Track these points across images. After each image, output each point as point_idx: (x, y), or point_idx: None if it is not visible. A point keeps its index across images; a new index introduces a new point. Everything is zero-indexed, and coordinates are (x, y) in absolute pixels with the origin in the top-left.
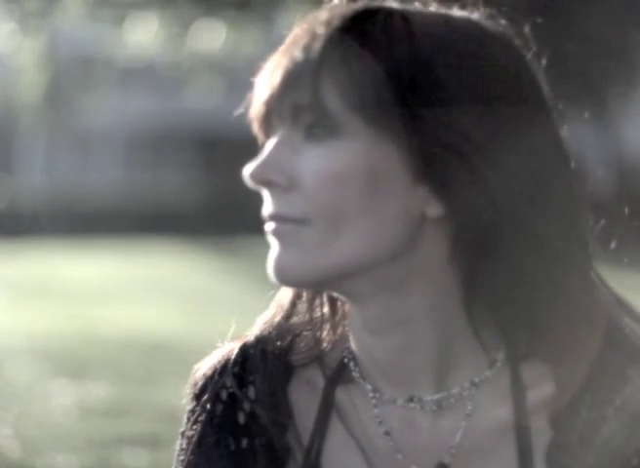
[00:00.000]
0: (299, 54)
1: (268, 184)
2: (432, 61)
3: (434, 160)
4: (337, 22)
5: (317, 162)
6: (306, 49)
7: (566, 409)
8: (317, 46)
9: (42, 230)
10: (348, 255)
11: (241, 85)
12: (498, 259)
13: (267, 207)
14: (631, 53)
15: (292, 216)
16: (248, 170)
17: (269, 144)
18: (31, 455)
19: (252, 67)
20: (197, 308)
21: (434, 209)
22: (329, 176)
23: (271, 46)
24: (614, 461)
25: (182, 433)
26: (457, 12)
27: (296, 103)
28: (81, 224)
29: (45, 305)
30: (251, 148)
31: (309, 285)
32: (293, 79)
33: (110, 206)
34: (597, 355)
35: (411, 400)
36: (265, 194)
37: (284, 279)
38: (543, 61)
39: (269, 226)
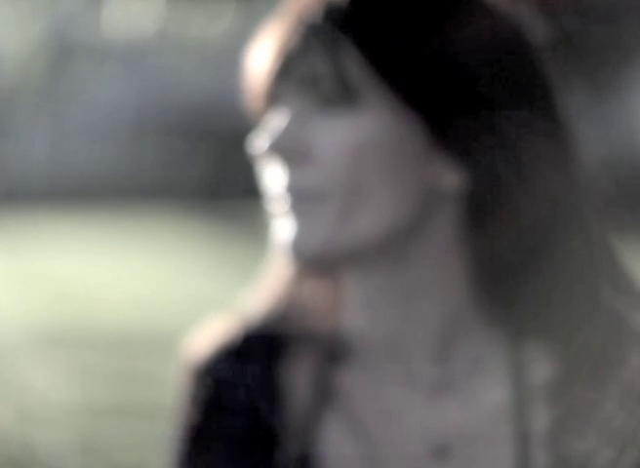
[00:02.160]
0: (312, 19)
1: (287, 156)
2: (449, 36)
3: (454, 126)
4: None
5: (335, 134)
6: (322, 14)
7: (566, 389)
8: (335, 11)
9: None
10: (367, 230)
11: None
12: (506, 234)
13: (282, 180)
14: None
15: (310, 190)
16: (263, 140)
17: (280, 116)
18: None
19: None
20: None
21: (449, 180)
22: (348, 149)
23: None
24: (614, 442)
25: (178, 419)
26: None
27: (312, 72)
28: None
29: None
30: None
31: (328, 261)
32: (308, 46)
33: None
34: (598, 337)
35: (410, 375)
36: (277, 167)
37: (303, 256)
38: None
39: (283, 201)
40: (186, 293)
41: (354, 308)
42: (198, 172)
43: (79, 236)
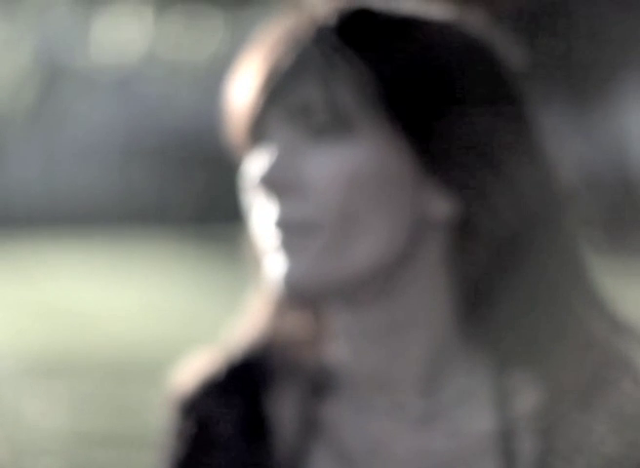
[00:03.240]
0: (301, 43)
1: (278, 189)
2: (435, 63)
3: (445, 154)
4: (337, 18)
5: (328, 164)
6: (312, 37)
7: (554, 416)
8: (326, 35)
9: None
10: (360, 261)
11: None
12: (495, 264)
13: (272, 213)
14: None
15: (302, 222)
16: (252, 173)
17: (269, 147)
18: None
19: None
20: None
21: (439, 208)
22: (341, 180)
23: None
24: (605, 467)
25: (164, 453)
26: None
27: (303, 100)
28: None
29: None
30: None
31: (319, 294)
32: (299, 72)
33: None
34: (584, 363)
35: (397, 407)
36: (267, 200)
37: (297, 292)
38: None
39: (275, 236)
40: (179, 319)
41: (339, 340)
42: (189, 195)
43: (69, 260)
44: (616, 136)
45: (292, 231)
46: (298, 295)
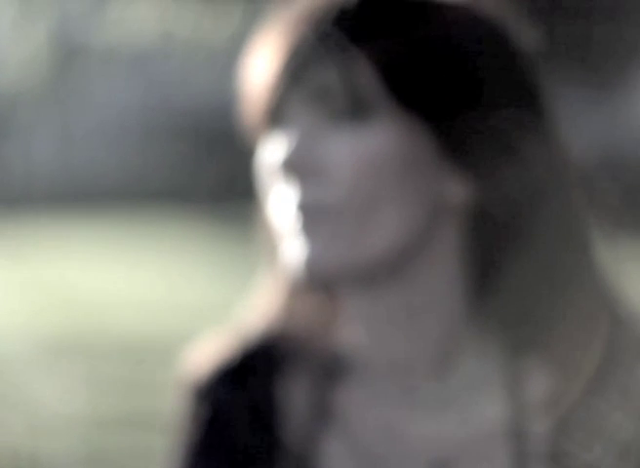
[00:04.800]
0: (320, 31)
1: (301, 172)
2: (454, 46)
3: (462, 138)
4: (354, 2)
5: (348, 148)
6: (331, 21)
7: (569, 398)
8: (345, 19)
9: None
10: (380, 244)
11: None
12: (508, 249)
13: (294, 197)
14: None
15: (324, 206)
16: (276, 156)
17: (289, 131)
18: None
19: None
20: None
21: (456, 193)
22: (361, 164)
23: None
24: (623, 453)
25: (180, 437)
26: None
27: (322, 84)
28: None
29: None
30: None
31: (340, 278)
32: (317, 59)
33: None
34: (598, 348)
35: (410, 392)
36: (288, 184)
37: (317, 275)
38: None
39: (295, 219)
40: (195, 299)
41: (354, 324)
42: (205, 174)
43: (84, 241)
44: (636, 116)
45: (312, 214)
46: (317, 279)
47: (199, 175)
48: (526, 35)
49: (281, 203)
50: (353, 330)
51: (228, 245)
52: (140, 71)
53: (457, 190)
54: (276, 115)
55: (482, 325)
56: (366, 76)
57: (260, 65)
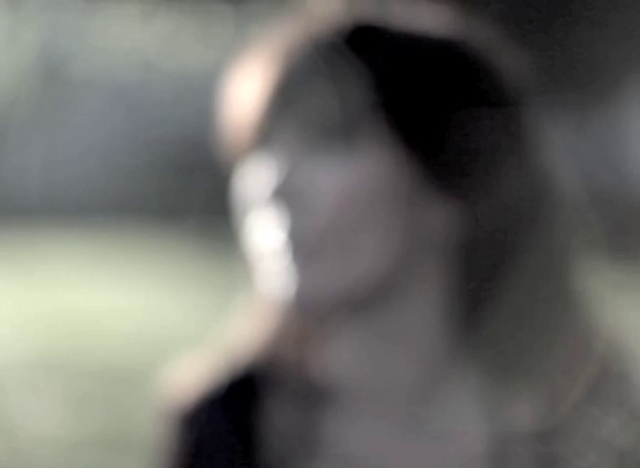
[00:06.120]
0: (306, 59)
1: (290, 201)
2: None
3: (449, 168)
4: (340, 32)
5: (335, 177)
6: (315, 54)
7: (555, 418)
8: (335, 49)
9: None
10: (366, 273)
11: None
12: (491, 277)
13: (280, 223)
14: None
15: (311, 234)
16: (263, 184)
17: (275, 156)
18: None
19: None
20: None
21: (442, 222)
22: (348, 193)
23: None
24: (618, 461)
25: (164, 461)
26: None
27: (309, 114)
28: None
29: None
30: None
31: (329, 308)
32: (304, 87)
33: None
34: (588, 374)
35: (393, 417)
36: (273, 214)
37: (307, 305)
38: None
39: (282, 246)
40: (177, 321)
41: (339, 350)
42: (186, 202)
43: (66, 262)
44: (618, 142)
45: (298, 242)
46: (308, 308)
47: (179, 203)
48: (512, 61)
49: (265, 229)
50: (338, 356)
51: (212, 266)
52: (124, 99)
53: (442, 219)
54: (263, 140)
55: (466, 352)
56: (354, 103)
57: (247, 91)
